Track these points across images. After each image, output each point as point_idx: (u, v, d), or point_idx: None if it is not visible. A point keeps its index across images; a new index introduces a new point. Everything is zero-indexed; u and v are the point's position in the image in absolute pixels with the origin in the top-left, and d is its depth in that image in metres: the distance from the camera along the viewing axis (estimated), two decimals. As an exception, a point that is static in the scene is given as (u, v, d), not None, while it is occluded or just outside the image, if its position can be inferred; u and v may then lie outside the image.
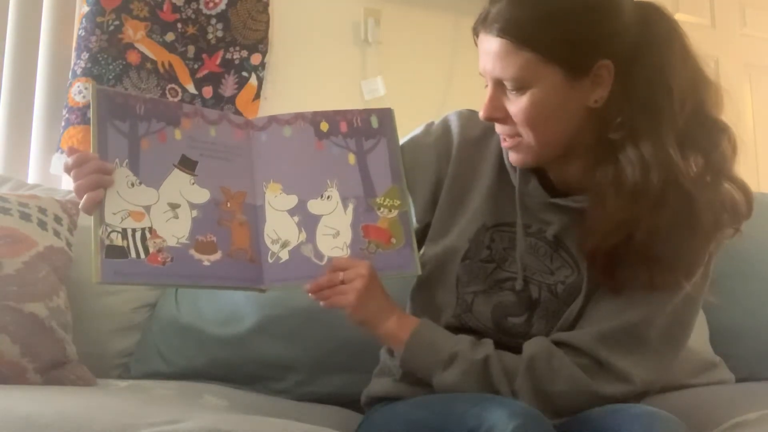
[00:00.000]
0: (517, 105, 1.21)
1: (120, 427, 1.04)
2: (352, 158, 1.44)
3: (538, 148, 1.27)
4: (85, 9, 2.55)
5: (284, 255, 1.36)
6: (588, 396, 1.24)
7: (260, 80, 2.81)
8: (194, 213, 1.32)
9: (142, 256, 1.24)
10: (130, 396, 1.49)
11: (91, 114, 1.32)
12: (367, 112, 1.48)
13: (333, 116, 1.46)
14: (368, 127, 1.46)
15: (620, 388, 1.24)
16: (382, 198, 1.41)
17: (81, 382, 1.56)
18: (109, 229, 1.24)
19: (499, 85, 1.24)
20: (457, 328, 1.39)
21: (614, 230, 1.19)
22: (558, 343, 1.29)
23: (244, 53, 2.78)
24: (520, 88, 1.20)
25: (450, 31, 3.16)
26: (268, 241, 1.37)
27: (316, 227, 1.39)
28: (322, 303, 1.34)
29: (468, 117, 1.47)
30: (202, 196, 1.34)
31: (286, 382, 1.85)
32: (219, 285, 1.36)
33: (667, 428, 1.08)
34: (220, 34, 2.74)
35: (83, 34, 2.52)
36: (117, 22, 2.56)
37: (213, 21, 2.74)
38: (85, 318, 1.80)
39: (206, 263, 1.30)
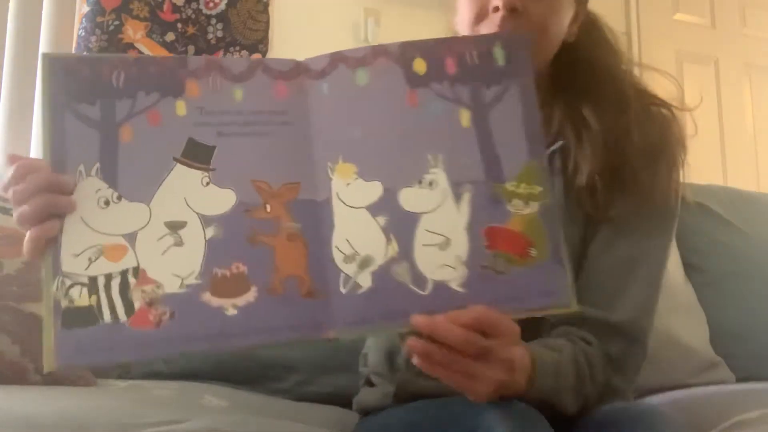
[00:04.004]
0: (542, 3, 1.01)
1: (120, 427, 0.94)
2: (465, 117, 0.77)
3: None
4: (85, 9, 2.31)
5: (365, 280, 0.73)
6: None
7: (261, 80, 2.52)
8: (210, 232, 0.72)
9: (123, 317, 0.69)
10: (130, 396, 1.33)
11: (41, 99, 0.74)
12: (488, 40, 0.82)
13: (433, 49, 0.79)
14: (490, 66, 0.79)
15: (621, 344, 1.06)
16: (515, 183, 0.76)
17: (81, 382, 1.39)
18: (69, 282, 0.69)
19: None
20: None
21: (601, 158, 1.05)
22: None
23: (244, 53, 2.49)
24: None
25: (450, 31, 2.92)
26: (338, 259, 0.73)
27: (414, 233, 0.75)
28: (426, 369, 0.74)
29: None
30: (222, 201, 0.73)
31: (286, 382, 1.60)
32: (255, 343, 0.73)
33: (668, 426, 0.93)
34: (220, 34, 2.47)
35: (83, 34, 2.27)
36: (117, 22, 2.31)
37: (213, 21, 2.47)
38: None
39: (231, 311, 0.71)
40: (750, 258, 1.76)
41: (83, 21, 2.29)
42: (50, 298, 0.69)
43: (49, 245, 0.70)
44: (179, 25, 2.43)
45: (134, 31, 2.35)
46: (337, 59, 0.77)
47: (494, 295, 0.73)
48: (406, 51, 0.77)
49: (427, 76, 0.77)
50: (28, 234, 0.71)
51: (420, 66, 0.77)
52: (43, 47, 2.20)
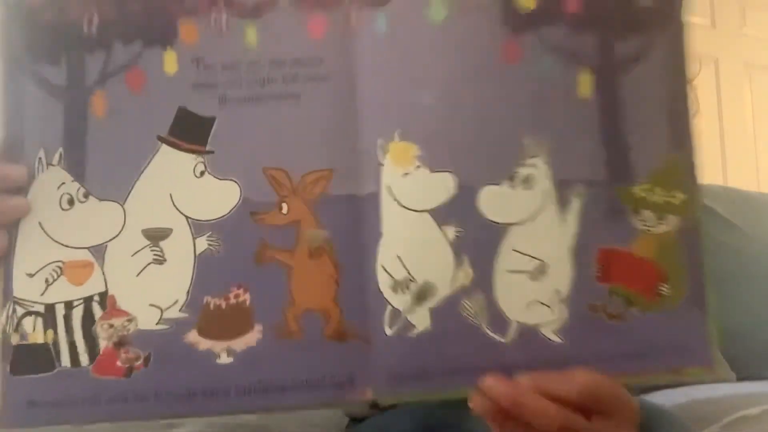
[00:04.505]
0: None
1: (115, 429, 0.81)
2: (586, 83, 0.51)
3: None
4: None
5: (421, 318, 0.48)
6: None
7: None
8: (202, 244, 0.49)
9: (85, 361, 0.49)
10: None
11: None
12: None
13: None
14: (631, 4, 0.52)
15: None
16: (648, 186, 0.51)
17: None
18: (21, 311, 0.50)
19: None
20: None
21: None
22: None
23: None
24: None
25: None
26: (384, 285, 0.49)
27: (496, 253, 0.49)
28: None
29: None
30: (221, 199, 0.49)
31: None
32: (257, 407, 0.51)
33: (671, 423, 0.84)
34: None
35: None
36: None
37: None
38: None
39: (225, 359, 0.48)
40: (750, 257, 1.71)
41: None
42: None
43: None
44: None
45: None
46: None
47: (604, 349, 0.49)
48: None
49: (535, 16, 0.50)
50: None
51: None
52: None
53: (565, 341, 0.49)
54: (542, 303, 0.49)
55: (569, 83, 0.50)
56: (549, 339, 0.49)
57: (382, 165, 0.49)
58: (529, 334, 0.49)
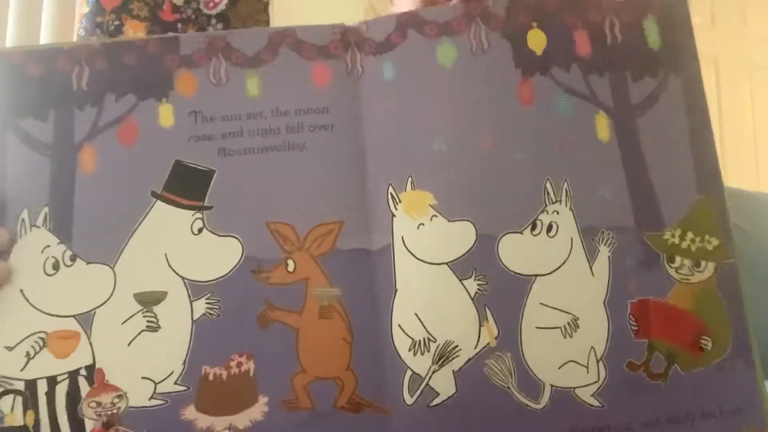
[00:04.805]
0: None
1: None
2: (603, 125, 0.48)
3: None
4: (85, 9, 2.13)
5: (444, 383, 0.43)
6: None
7: (262, 80, 2.41)
8: (200, 308, 0.44)
9: None
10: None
11: None
12: (635, 8, 0.50)
13: (556, 14, 0.49)
14: (640, 46, 0.49)
15: None
16: (680, 231, 0.47)
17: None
18: None
19: None
20: None
21: None
22: None
23: (245, 52, 2.39)
24: None
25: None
26: (401, 347, 0.44)
27: (523, 307, 0.45)
28: None
29: None
30: (221, 258, 0.45)
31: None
32: None
33: None
34: (220, 34, 2.37)
35: (83, 34, 2.07)
36: (117, 22, 2.15)
37: (213, 21, 2.36)
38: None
39: None
40: (751, 257, 1.70)
41: (83, 21, 2.18)
42: None
43: None
44: (179, 25, 2.32)
45: (134, 31, 2.28)
46: (408, 23, 0.48)
47: (647, 413, 0.44)
48: (517, 14, 0.48)
49: (547, 58, 0.48)
50: None
51: (537, 40, 0.48)
52: (44, 48, 2.05)
53: (604, 405, 0.44)
54: (577, 362, 0.44)
55: (587, 126, 0.47)
56: (587, 403, 0.44)
57: (395, 216, 0.45)
58: (564, 398, 0.44)
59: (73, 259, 0.45)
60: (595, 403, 0.44)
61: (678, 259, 0.46)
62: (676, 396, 0.45)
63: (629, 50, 0.49)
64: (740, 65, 3.09)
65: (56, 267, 0.45)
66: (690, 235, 0.47)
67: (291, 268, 0.44)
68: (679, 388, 0.45)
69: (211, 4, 2.47)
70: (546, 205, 0.46)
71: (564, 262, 0.45)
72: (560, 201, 0.46)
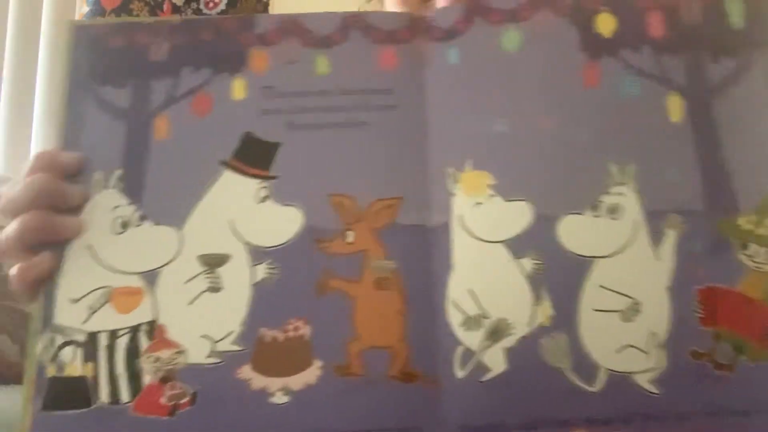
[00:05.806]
0: None
1: None
2: (676, 107, 0.46)
3: None
4: (85, 9, 2.13)
5: (496, 360, 0.43)
6: None
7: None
8: (260, 273, 0.45)
9: (126, 397, 0.44)
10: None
11: (62, 80, 0.50)
12: None
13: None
14: (720, 26, 0.48)
15: None
16: (755, 218, 0.45)
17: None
18: (60, 340, 0.45)
19: None
20: None
21: None
22: None
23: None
24: None
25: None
26: (455, 322, 0.44)
27: (581, 289, 0.44)
28: None
29: None
30: (283, 226, 0.46)
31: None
32: None
33: None
34: (220, 33, 2.37)
35: None
36: None
37: None
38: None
39: (281, 398, 0.43)
40: None
41: (84, 21, 2.25)
42: (33, 362, 0.46)
43: (42, 286, 0.47)
44: (179, 26, 2.41)
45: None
46: (475, 11, 0.48)
47: (709, 404, 0.42)
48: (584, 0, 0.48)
49: (616, 40, 0.47)
50: (13, 269, 0.48)
51: (606, 24, 0.47)
52: (43, 47, 2.11)
53: (663, 393, 0.43)
54: (636, 348, 0.43)
55: (658, 107, 0.46)
56: (644, 390, 0.43)
57: (453, 195, 0.46)
58: (620, 383, 0.43)
59: (142, 219, 0.47)
60: (654, 390, 0.43)
61: (753, 246, 0.44)
62: (742, 389, 0.42)
63: (708, 30, 0.47)
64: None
65: (125, 226, 0.47)
66: (767, 222, 0.44)
67: (350, 239, 0.45)
68: (746, 380, 0.42)
69: (211, 4, 2.53)
70: (610, 187, 0.45)
71: (627, 245, 0.44)
72: (625, 183, 0.45)
